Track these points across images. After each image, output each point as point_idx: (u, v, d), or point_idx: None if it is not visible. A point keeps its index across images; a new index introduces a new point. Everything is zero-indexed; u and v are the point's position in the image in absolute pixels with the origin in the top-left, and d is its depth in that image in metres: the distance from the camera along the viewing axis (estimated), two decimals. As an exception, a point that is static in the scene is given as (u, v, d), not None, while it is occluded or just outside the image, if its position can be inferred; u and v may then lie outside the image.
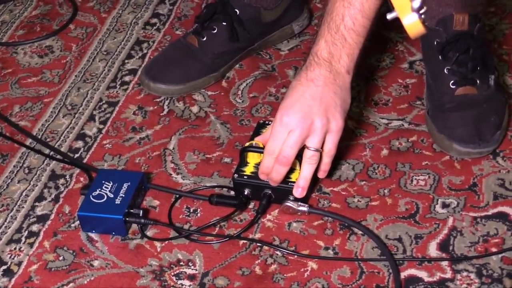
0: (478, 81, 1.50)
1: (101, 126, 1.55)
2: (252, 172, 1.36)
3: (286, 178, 1.33)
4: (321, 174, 1.40)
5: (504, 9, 1.81)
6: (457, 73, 1.51)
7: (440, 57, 1.54)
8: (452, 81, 1.50)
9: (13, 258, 1.27)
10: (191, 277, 1.23)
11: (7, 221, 1.35)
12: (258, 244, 1.28)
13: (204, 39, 1.65)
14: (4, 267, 1.26)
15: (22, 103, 1.62)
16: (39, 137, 1.51)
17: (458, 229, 1.29)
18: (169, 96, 1.63)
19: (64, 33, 1.80)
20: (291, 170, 1.34)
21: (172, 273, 1.23)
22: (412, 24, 1.25)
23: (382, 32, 1.76)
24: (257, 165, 1.36)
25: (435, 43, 1.57)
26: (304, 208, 1.32)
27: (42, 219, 1.35)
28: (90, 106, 1.60)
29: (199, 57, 1.66)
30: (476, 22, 1.56)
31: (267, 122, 1.48)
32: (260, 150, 1.36)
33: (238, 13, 1.71)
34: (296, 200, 1.33)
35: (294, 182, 1.33)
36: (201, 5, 1.90)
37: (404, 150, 1.46)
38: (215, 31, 1.67)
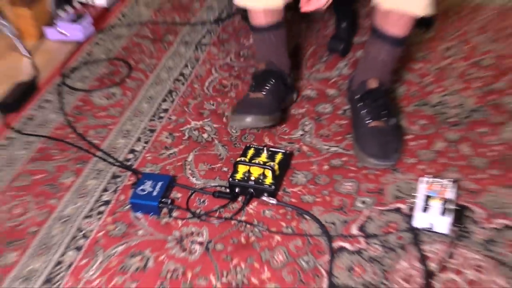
0: (383, 119, 1.50)
1: (145, 145, 1.55)
2: (240, 177, 1.36)
3: (262, 182, 1.35)
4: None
5: (402, 78, 1.79)
6: (370, 114, 1.51)
7: (359, 105, 1.54)
8: (367, 118, 1.51)
9: (87, 228, 1.29)
10: (200, 243, 1.24)
11: (84, 203, 1.37)
12: (243, 223, 1.30)
13: (265, 92, 1.54)
14: (82, 233, 1.28)
15: (96, 128, 1.61)
16: (106, 150, 1.52)
17: (370, 217, 1.29)
18: (250, 127, 1.57)
19: (123, 85, 1.79)
20: (264, 176, 1.36)
21: (188, 240, 1.25)
22: None
23: (327, 91, 1.75)
24: (244, 173, 1.36)
25: (356, 97, 1.57)
26: (273, 201, 1.33)
27: (106, 203, 1.36)
28: (138, 131, 1.60)
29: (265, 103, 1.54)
30: (383, 84, 1.56)
31: (251, 145, 1.47)
32: (246, 163, 1.39)
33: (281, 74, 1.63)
34: (268, 196, 1.34)
35: (268, 185, 1.34)
36: (210, 69, 1.88)
37: (339, 165, 1.45)
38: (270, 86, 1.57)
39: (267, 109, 1.51)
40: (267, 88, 1.56)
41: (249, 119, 1.48)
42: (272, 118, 1.52)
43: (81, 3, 2.12)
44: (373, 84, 1.56)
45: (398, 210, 1.33)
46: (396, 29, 1.52)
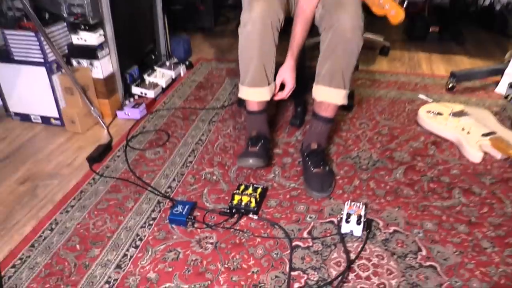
0: (321, 167, 1.48)
1: (178, 183, 1.54)
2: (236, 203, 1.36)
3: (249, 205, 1.35)
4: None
5: (333, 141, 1.77)
6: (313, 164, 1.49)
7: (306, 159, 1.52)
8: (311, 167, 1.49)
9: (142, 233, 1.31)
10: (211, 243, 1.26)
11: (140, 219, 1.38)
12: (238, 230, 1.31)
13: (258, 147, 1.51)
14: (139, 237, 1.30)
15: (147, 173, 1.60)
16: (154, 186, 1.52)
17: (315, 226, 1.31)
18: (250, 166, 1.54)
19: (164, 146, 1.75)
20: (250, 202, 1.36)
21: (204, 241, 1.27)
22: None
23: (289, 150, 1.77)
24: (238, 200, 1.36)
25: (305, 154, 1.55)
26: (256, 217, 1.35)
27: (154, 219, 1.37)
28: (173, 175, 1.59)
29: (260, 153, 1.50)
30: (321, 145, 1.55)
31: (242, 183, 1.46)
32: (239, 194, 1.39)
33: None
34: (253, 214, 1.35)
35: (252, 207, 1.34)
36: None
37: (296, 195, 1.45)
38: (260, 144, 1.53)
39: (261, 156, 1.49)
40: (259, 145, 1.53)
41: (250, 161, 1.46)
42: (264, 161, 1.50)
43: (139, 96, 2.10)
44: (314, 146, 1.55)
45: (331, 222, 1.34)
46: (327, 112, 1.54)
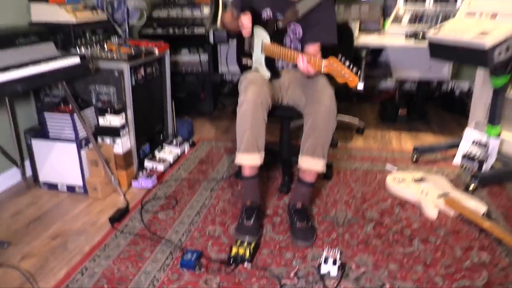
0: (305, 222, 1.72)
1: (186, 237, 1.75)
2: (234, 254, 1.56)
3: (244, 256, 1.53)
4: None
5: (315, 202, 2.00)
6: (298, 220, 1.72)
7: (293, 215, 1.76)
8: (297, 222, 1.72)
9: (159, 276, 1.52)
10: (216, 283, 1.48)
11: (158, 265, 1.58)
12: (236, 273, 1.52)
13: (252, 220, 1.74)
14: (156, 278, 1.51)
15: (160, 230, 1.81)
16: (167, 238, 1.73)
17: (299, 269, 1.54)
18: (246, 241, 1.66)
19: (174, 209, 1.98)
20: (245, 253, 1.53)
21: (210, 282, 1.48)
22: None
23: (278, 211, 2.02)
24: (235, 252, 1.55)
25: (291, 211, 1.79)
26: (250, 265, 1.55)
27: (167, 265, 1.58)
28: (183, 230, 1.79)
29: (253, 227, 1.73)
30: (304, 205, 1.79)
31: (239, 239, 1.65)
32: (236, 247, 1.58)
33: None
34: (247, 263, 1.55)
35: (247, 258, 1.52)
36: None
37: (284, 246, 1.67)
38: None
39: (255, 233, 1.71)
40: (253, 218, 1.74)
41: (246, 238, 1.67)
42: (257, 235, 1.72)
43: (150, 170, 2.41)
44: (299, 205, 1.79)
45: (313, 265, 1.55)
46: (310, 178, 1.84)
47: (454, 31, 2.17)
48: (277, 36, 1.92)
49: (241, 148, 1.72)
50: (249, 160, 1.73)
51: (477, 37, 2.01)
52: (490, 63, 2.01)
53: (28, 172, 2.35)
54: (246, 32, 1.91)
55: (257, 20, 1.90)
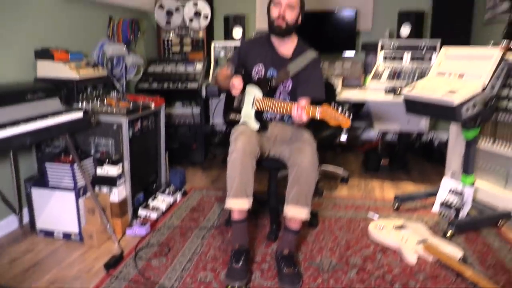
0: (292, 268, 1.80)
1: (178, 283, 1.81)
2: None
3: None
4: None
5: (300, 250, 2.09)
6: (285, 265, 1.81)
7: (280, 261, 1.84)
8: (284, 268, 1.81)
9: None
10: None
11: None
12: None
13: (240, 263, 1.82)
14: None
15: (154, 276, 1.86)
16: (161, 283, 1.85)
17: None
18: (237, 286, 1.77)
19: (167, 256, 2.05)
20: None
21: None
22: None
23: (266, 257, 2.08)
24: None
25: (279, 258, 1.87)
26: None
27: None
28: (175, 277, 1.86)
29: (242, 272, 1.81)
30: (291, 251, 1.89)
31: (229, 284, 1.75)
32: None
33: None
34: None
35: None
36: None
37: None
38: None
39: (243, 276, 1.79)
40: (241, 261, 1.81)
41: (236, 283, 1.77)
42: (246, 281, 1.81)
43: (144, 218, 2.50)
44: (286, 251, 1.88)
45: None
46: (295, 225, 1.96)
47: (426, 89, 2.40)
48: (270, 92, 2.14)
49: (230, 194, 1.83)
50: (238, 204, 1.84)
51: (447, 95, 2.24)
52: (459, 118, 2.22)
53: (25, 219, 2.44)
54: (235, 92, 2.11)
55: (248, 80, 2.11)
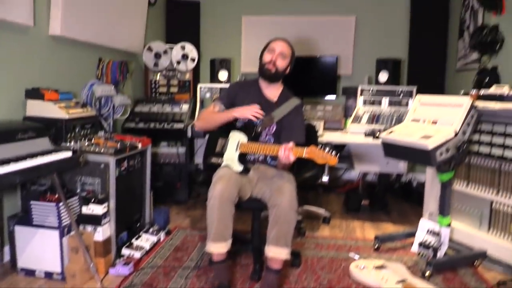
0: None
1: None
2: None
3: None
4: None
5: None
6: None
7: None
8: None
9: None
10: None
11: None
12: None
13: None
14: None
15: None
16: None
17: None
18: None
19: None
20: None
21: None
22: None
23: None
24: None
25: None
26: None
27: None
28: None
29: None
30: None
31: None
32: None
33: None
34: None
35: None
36: None
37: None
38: None
39: None
40: None
41: None
42: None
43: (127, 257, 2.50)
44: (276, 265, 1.99)
45: None
46: (276, 265, 2.03)
47: (402, 134, 2.54)
48: (255, 137, 2.26)
49: (210, 238, 1.94)
50: (217, 248, 1.94)
51: (422, 139, 2.38)
52: (434, 162, 2.35)
53: (6, 257, 2.43)
54: (254, 116, 2.20)
55: (232, 126, 2.25)
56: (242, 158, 2.23)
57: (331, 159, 1.78)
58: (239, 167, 2.10)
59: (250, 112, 2.14)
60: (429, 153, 2.30)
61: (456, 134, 2.35)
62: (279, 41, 2.23)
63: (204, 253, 2.62)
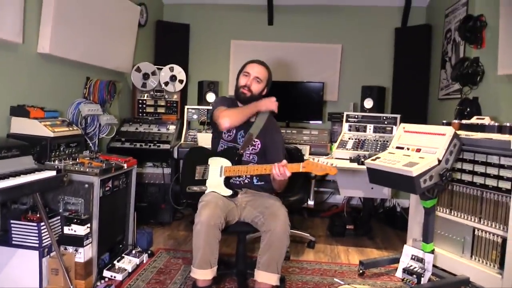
0: None
1: None
2: None
3: None
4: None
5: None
6: None
7: None
8: None
9: None
10: None
11: None
12: None
13: None
14: None
15: None
16: None
17: None
18: None
19: None
20: None
21: None
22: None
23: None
24: None
25: None
26: None
27: None
28: None
29: None
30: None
31: None
32: None
33: None
34: None
35: None
36: None
37: None
38: None
39: None
40: None
41: None
42: None
43: (109, 278, 2.46)
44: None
45: None
46: None
47: (387, 160, 2.58)
48: (239, 160, 2.25)
49: (195, 264, 1.95)
50: (202, 275, 1.95)
51: (406, 166, 2.41)
52: (418, 189, 2.39)
53: (-19, 279, 2.33)
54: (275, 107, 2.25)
55: (210, 154, 2.32)
56: (228, 182, 2.22)
57: (331, 169, 1.83)
58: (227, 192, 2.10)
59: (273, 104, 2.19)
60: (413, 179, 2.34)
61: (439, 162, 2.40)
62: (255, 64, 2.24)
63: (187, 277, 2.61)
